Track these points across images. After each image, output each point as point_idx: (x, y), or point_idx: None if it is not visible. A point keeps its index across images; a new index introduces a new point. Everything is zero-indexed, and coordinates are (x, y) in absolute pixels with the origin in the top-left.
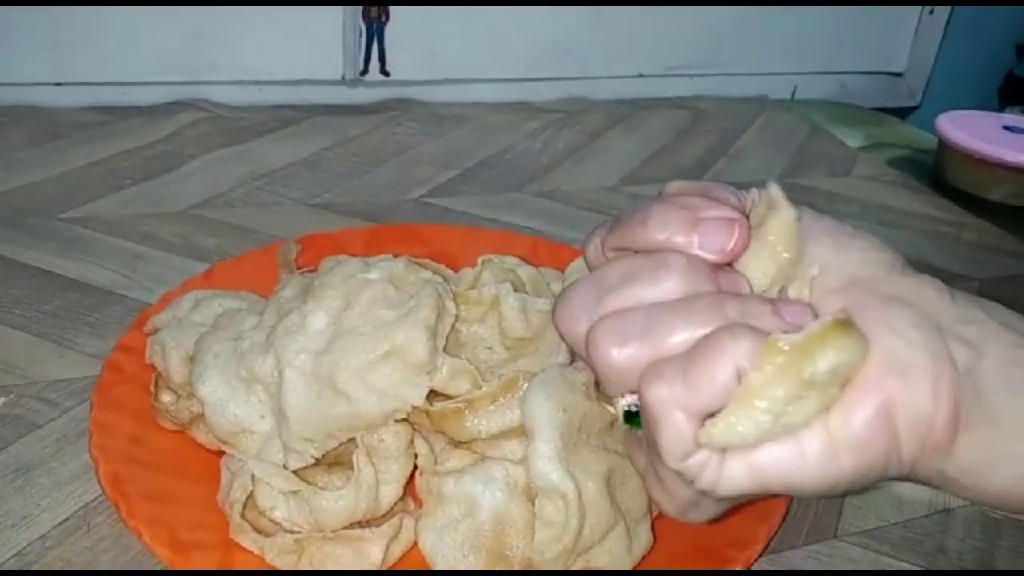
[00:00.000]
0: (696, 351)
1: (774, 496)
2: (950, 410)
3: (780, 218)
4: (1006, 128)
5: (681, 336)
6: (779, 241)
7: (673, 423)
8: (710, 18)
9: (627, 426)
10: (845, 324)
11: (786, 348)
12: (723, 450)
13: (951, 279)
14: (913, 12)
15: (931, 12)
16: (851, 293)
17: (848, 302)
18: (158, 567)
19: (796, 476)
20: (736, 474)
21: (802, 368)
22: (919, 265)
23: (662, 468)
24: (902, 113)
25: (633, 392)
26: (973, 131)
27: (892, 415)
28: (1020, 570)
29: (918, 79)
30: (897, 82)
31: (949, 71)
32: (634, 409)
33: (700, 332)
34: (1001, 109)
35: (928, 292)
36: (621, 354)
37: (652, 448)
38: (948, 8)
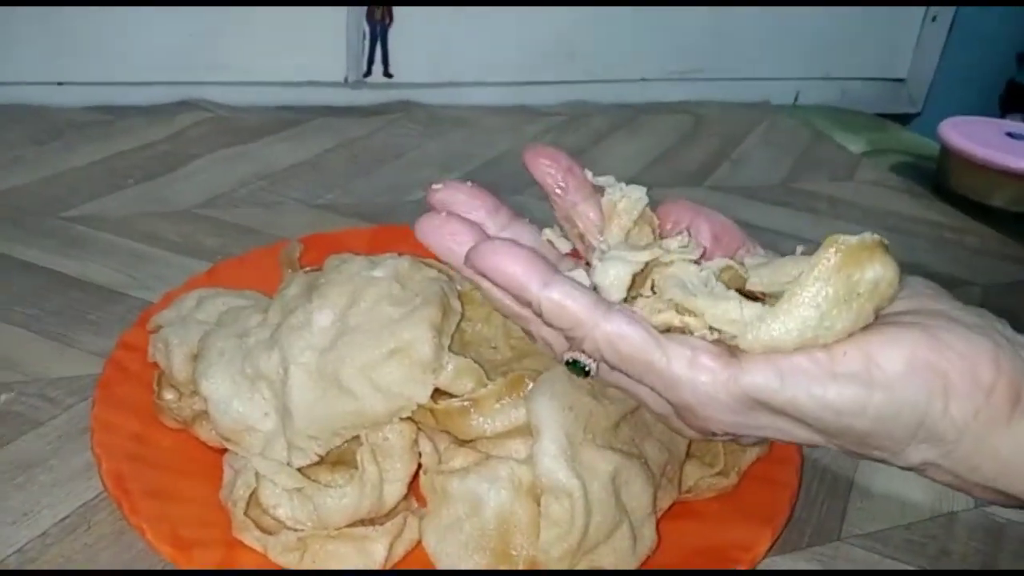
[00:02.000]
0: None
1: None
2: (1010, 383)
3: (628, 198)
4: (1009, 135)
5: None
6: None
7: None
8: (712, 23)
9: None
10: (885, 246)
11: (842, 247)
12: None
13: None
14: (915, 19)
15: (934, 20)
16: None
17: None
18: (159, 566)
19: (821, 390)
20: (761, 376)
21: (852, 271)
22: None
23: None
24: (904, 119)
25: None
26: (976, 137)
27: (944, 370)
28: (1021, 570)
29: (920, 86)
30: (899, 88)
31: (951, 78)
32: (569, 359)
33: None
34: (1002, 117)
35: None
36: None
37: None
38: (950, 16)
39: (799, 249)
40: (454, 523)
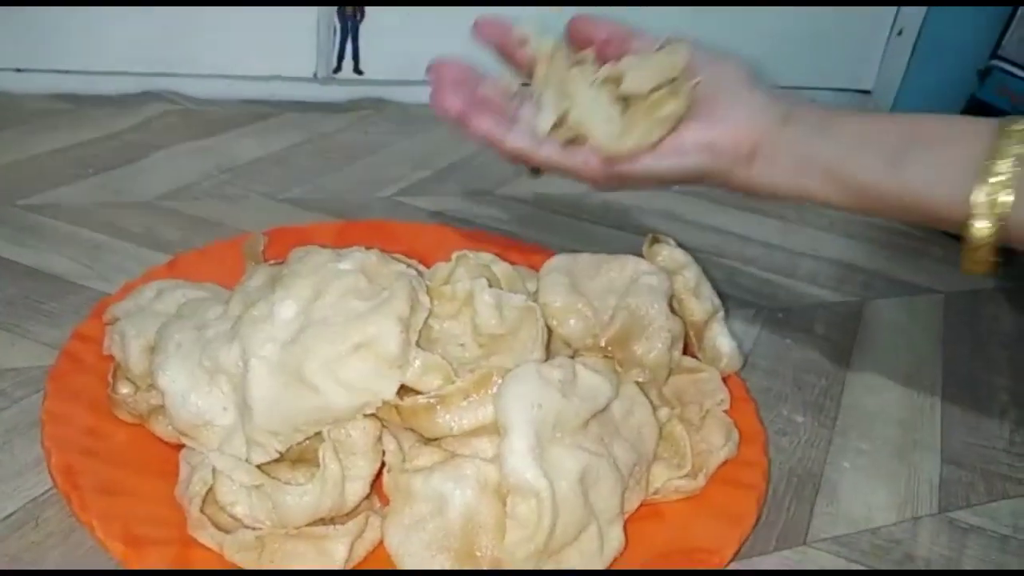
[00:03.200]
0: None
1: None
2: (756, 142)
3: (675, 52)
4: None
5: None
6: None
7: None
8: (680, 27)
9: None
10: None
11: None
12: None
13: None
14: (882, 33)
15: (900, 33)
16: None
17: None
18: (111, 566)
19: (655, 163)
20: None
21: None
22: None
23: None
24: None
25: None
26: None
27: (714, 141)
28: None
29: (886, 97)
30: (865, 100)
31: (915, 91)
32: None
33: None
34: None
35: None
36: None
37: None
38: (916, 29)
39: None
40: (417, 523)
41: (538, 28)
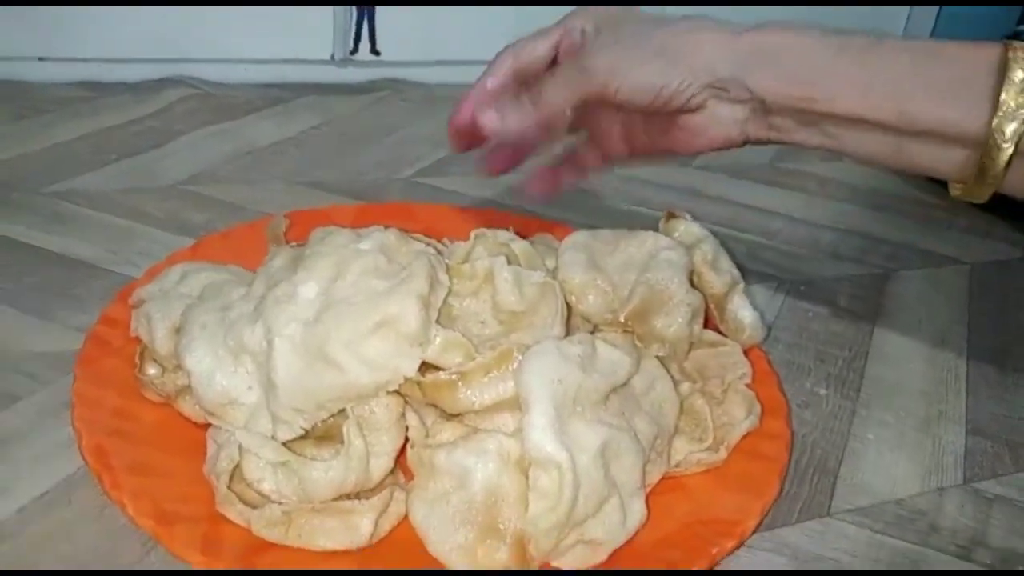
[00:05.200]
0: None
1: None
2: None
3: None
4: None
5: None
6: None
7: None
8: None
9: None
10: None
11: None
12: None
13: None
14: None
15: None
16: None
17: None
18: (141, 543)
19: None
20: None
21: None
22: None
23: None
24: None
25: None
26: None
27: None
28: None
29: None
30: None
31: None
32: None
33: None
34: None
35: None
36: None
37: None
38: (928, 34)
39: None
40: (441, 497)
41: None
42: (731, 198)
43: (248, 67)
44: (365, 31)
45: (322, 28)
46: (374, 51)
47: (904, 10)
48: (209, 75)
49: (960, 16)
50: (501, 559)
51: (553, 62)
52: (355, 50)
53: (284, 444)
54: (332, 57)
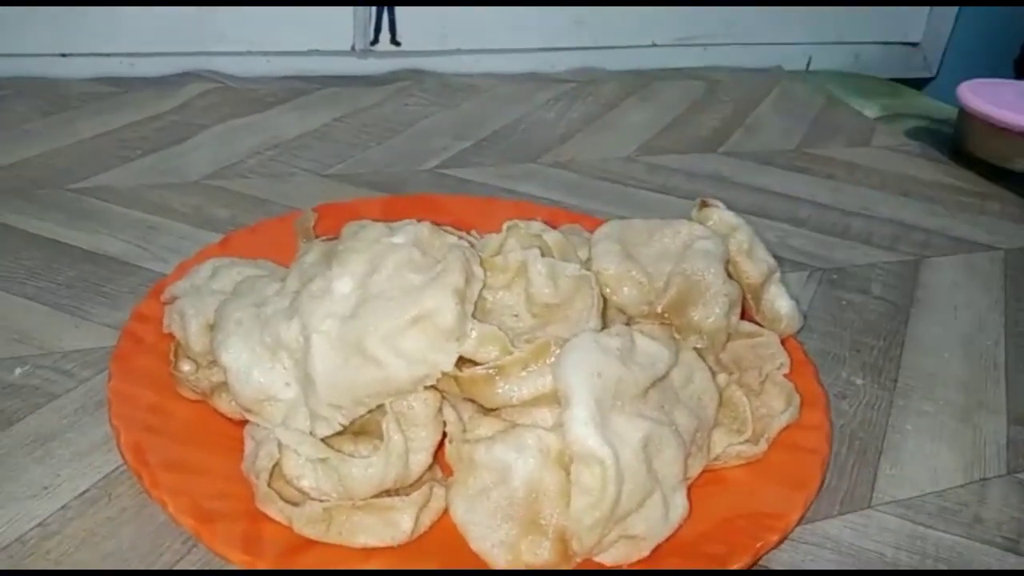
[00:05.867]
0: None
1: None
2: None
3: None
4: None
5: None
6: None
7: None
8: (705, 9)
9: None
10: None
11: None
12: None
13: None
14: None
15: None
16: None
17: None
18: (182, 541)
19: None
20: None
21: None
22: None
23: None
24: (917, 84)
25: None
26: (995, 100)
27: None
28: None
29: (935, 50)
30: (913, 53)
31: (964, 42)
32: None
33: None
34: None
35: None
36: None
37: None
38: None
39: None
40: (481, 492)
41: None
42: (758, 185)
43: (269, 60)
44: (385, 22)
45: (342, 19)
46: (395, 41)
47: (924, 10)
48: (230, 69)
49: (979, 16)
50: (543, 555)
51: None
52: (376, 41)
53: (323, 440)
54: (353, 48)
